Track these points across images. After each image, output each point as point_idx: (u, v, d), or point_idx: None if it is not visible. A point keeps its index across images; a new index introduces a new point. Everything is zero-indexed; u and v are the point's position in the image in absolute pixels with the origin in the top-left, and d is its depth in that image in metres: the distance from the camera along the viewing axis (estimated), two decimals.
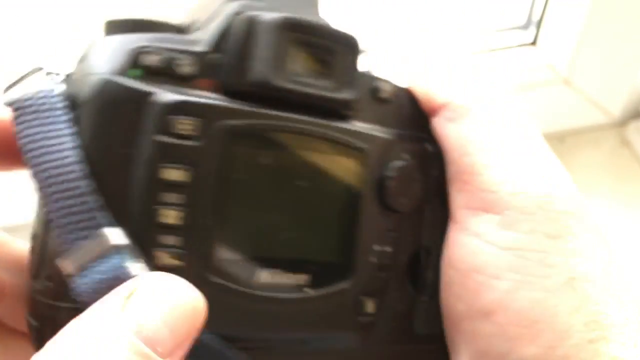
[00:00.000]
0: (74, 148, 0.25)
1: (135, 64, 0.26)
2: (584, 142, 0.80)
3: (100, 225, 0.24)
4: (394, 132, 0.32)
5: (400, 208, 0.31)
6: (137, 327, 0.22)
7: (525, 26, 0.76)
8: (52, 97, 0.26)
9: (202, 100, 0.26)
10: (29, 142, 0.25)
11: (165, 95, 0.25)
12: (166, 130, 0.25)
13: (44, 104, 0.25)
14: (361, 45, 0.30)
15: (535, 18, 0.75)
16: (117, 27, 0.27)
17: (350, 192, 0.30)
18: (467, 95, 0.31)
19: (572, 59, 0.74)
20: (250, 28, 0.27)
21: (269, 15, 0.27)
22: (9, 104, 0.26)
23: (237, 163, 0.27)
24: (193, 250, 0.26)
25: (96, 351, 0.21)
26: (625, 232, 0.73)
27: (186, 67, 0.26)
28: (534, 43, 0.76)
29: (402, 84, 0.33)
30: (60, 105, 0.25)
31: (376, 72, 0.32)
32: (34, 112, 0.25)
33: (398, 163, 0.31)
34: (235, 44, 0.27)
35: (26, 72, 0.27)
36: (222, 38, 0.27)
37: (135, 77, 0.25)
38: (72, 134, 0.25)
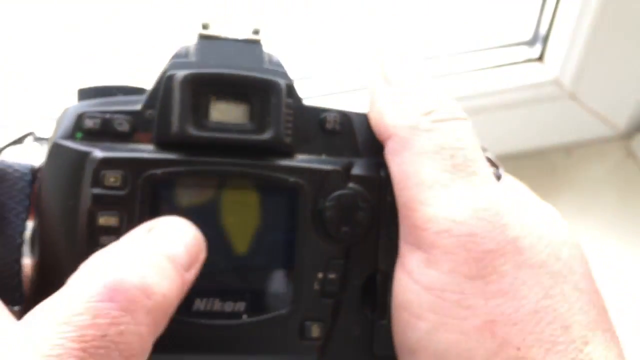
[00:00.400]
0: (23, 220, 0.31)
1: (79, 127, 0.30)
2: (590, 155, 0.81)
3: None
4: (341, 162, 0.32)
5: (342, 237, 0.32)
6: (162, 246, 0.28)
7: (532, 42, 0.77)
8: (22, 173, 0.31)
9: (126, 155, 0.30)
10: None
11: (98, 153, 0.30)
12: (99, 183, 0.30)
13: (14, 177, 0.31)
14: (283, 85, 0.31)
15: (542, 34, 0.76)
16: (84, 93, 0.32)
17: (287, 225, 0.32)
18: (415, 123, 0.31)
19: (577, 73, 0.75)
20: (168, 85, 0.30)
21: (180, 72, 0.30)
22: None
23: (163, 205, 0.30)
24: None
25: (132, 262, 0.26)
26: (630, 244, 0.74)
27: (123, 125, 0.30)
28: (540, 59, 0.78)
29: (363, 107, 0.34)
30: (26, 180, 0.31)
31: (325, 104, 0.33)
32: (7, 180, 0.31)
33: (339, 193, 0.32)
34: (160, 101, 0.30)
35: (19, 136, 0.33)
36: (153, 95, 0.31)
37: (79, 139, 0.30)
38: (26, 207, 0.31)
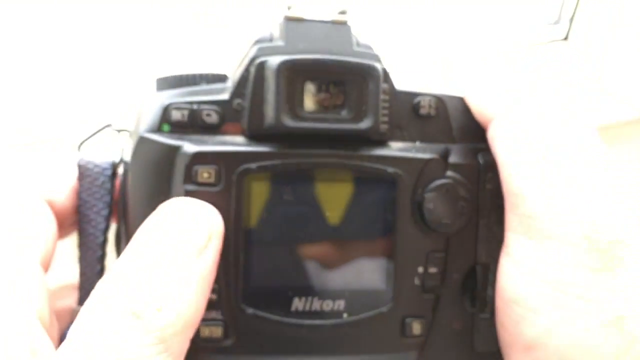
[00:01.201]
0: (105, 217, 0.30)
1: (165, 120, 0.29)
2: (615, 137, 0.80)
3: None
4: (438, 149, 0.31)
5: (443, 229, 0.31)
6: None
7: (557, 22, 0.76)
8: (103, 168, 0.30)
9: (219, 149, 0.29)
10: (80, 205, 0.30)
11: (188, 148, 0.28)
12: (191, 179, 0.28)
13: (94, 173, 0.30)
14: (380, 69, 0.29)
15: (567, 14, 0.75)
16: (164, 82, 0.30)
17: (385, 218, 0.30)
18: (521, 107, 0.29)
19: (604, 54, 0.74)
20: (259, 74, 0.29)
21: (273, 60, 0.28)
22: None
23: (259, 201, 0.29)
24: (226, 283, 0.28)
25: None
26: None
27: (211, 116, 0.29)
28: (565, 39, 0.77)
29: (457, 92, 0.32)
30: (106, 174, 0.30)
31: (418, 88, 0.32)
32: (87, 177, 0.30)
33: (438, 182, 0.30)
34: (250, 90, 0.29)
35: (97, 129, 0.32)
36: (242, 84, 0.29)
37: (167, 132, 0.29)
38: (107, 203, 0.30)
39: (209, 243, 0.27)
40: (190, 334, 0.25)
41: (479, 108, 0.31)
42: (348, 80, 0.29)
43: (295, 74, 0.28)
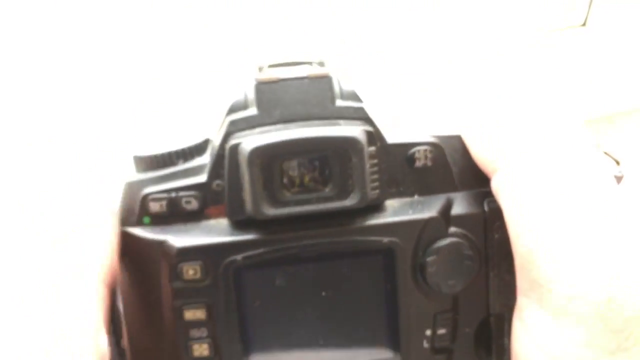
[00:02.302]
0: None
1: (145, 212, 0.28)
2: (633, 122, 0.80)
3: None
4: (438, 203, 0.29)
5: (448, 291, 0.29)
6: None
7: (574, 7, 0.76)
8: None
9: (202, 242, 0.27)
10: None
11: (171, 243, 0.27)
12: (178, 277, 0.27)
13: None
14: (366, 135, 0.27)
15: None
16: (141, 163, 0.29)
17: (385, 287, 0.29)
18: (529, 150, 0.26)
19: (623, 39, 0.74)
20: (234, 157, 0.27)
21: (246, 144, 0.26)
22: None
23: (251, 290, 0.28)
24: None
25: None
26: None
27: (191, 203, 0.28)
28: (584, 24, 0.76)
29: (453, 128, 0.29)
30: None
31: (410, 138, 0.29)
32: None
33: (440, 244, 0.28)
34: (226, 172, 0.27)
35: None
36: (218, 164, 0.27)
37: (148, 224, 0.28)
38: None
39: None
40: None
41: (480, 158, 0.28)
42: (328, 155, 0.27)
43: (270, 159, 0.26)
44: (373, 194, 0.27)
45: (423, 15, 0.70)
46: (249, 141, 0.26)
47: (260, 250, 0.27)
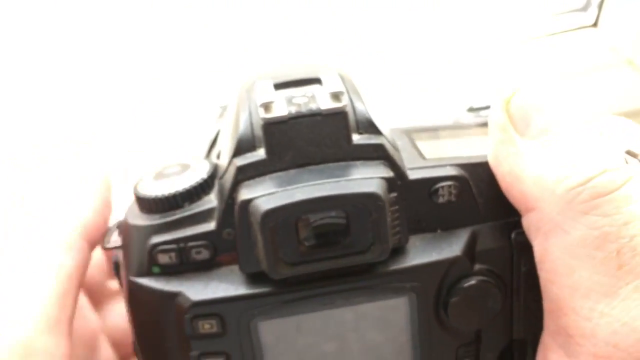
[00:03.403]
0: None
1: (154, 262, 0.26)
2: None
3: None
4: (463, 237, 0.27)
5: (471, 328, 0.28)
6: None
7: (585, 8, 0.75)
8: None
9: (216, 296, 0.26)
10: None
11: (184, 297, 0.26)
12: (194, 330, 0.26)
13: None
14: (385, 185, 0.25)
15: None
16: (145, 204, 0.27)
17: (408, 328, 0.28)
18: (568, 199, 0.24)
19: (635, 39, 0.73)
20: (245, 215, 0.25)
21: (259, 206, 0.24)
22: None
23: (269, 340, 0.27)
24: None
25: None
26: None
27: (201, 253, 0.26)
28: (595, 25, 0.75)
29: (482, 152, 0.27)
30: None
31: (433, 172, 0.27)
32: None
33: (464, 284, 0.27)
34: (238, 228, 0.25)
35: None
36: (228, 212, 0.26)
37: (158, 274, 0.27)
38: None
39: None
40: None
41: (510, 190, 0.26)
42: (348, 211, 0.25)
43: (284, 220, 0.24)
44: (394, 240, 0.26)
45: (424, 15, 0.71)
46: (261, 201, 0.24)
47: (277, 304, 0.26)
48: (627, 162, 0.26)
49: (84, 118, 0.67)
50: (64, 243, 0.28)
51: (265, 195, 0.24)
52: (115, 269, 0.30)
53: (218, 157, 0.29)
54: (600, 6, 0.74)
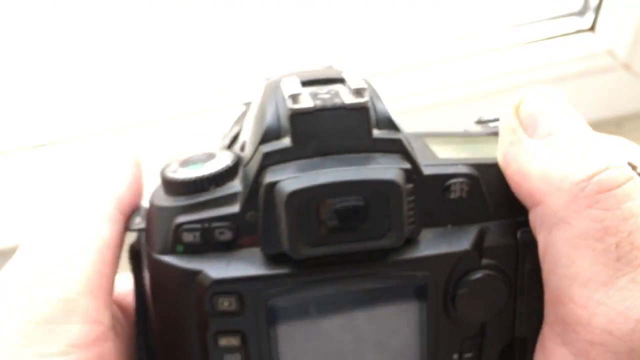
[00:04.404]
0: None
1: (178, 241, 0.27)
2: None
3: None
4: (472, 232, 0.28)
5: (477, 320, 0.29)
6: None
7: (582, 12, 0.76)
8: None
9: (237, 274, 0.27)
10: None
11: (206, 274, 0.27)
12: (213, 308, 0.27)
13: None
14: (404, 174, 0.26)
15: (592, 3, 0.75)
16: (171, 187, 0.28)
17: (416, 316, 0.29)
18: (572, 194, 0.25)
19: (632, 43, 0.73)
20: (269, 196, 0.26)
21: (284, 188, 0.26)
22: None
23: (285, 321, 0.28)
24: None
25: None
26: None
27: (224, 234, 0.27)
28: (592, 29, 0.76)
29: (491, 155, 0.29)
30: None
31: (446, 169, 0.29)
32: None
33: (472, 277, 0.28)
34: (262, 210, 0.27)
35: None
36: (252, 196, 0.27)
37: (181, 253, 0.28)
38: None
39: None
40: None
41: (518, 187, 0.27)
42: (366, 197, 0.26)
43: (308, 201, 0.26)
44: (409, 229, 0.27)
45: (423, 17, 0.71)
46: (286, 184, 0.26)
47: (295, 285, 0.27)
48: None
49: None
50: (103, 215, 0.29)
51: (290, 178, 0.26)
52: (131, 253, 0.31)
53: (242, 149, 0.30)
54: (597, 10, 0.74)
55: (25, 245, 0.28)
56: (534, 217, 0.27)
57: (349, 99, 0.27)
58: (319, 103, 0.26)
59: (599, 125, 0.78)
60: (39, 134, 0.69)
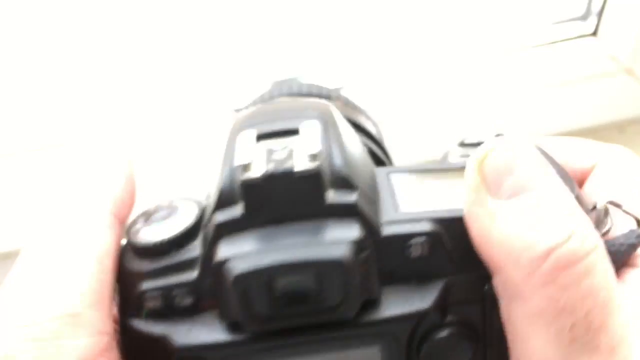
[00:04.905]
0: None
1: (143, 306, 0.28)
2: None
3: None
4: (436, 289, 0.28)
5: None
6: None
7: (584, 17, 0.75)
8: None
9: (199, 342, 0.28)
10: None
11: (171, 340, 0.28)
12: None
13: None
14: (354, 247, 0.26)
15: (595, 8, 0.74)
16: (139, 251, 0.29)
17: None
18: (531, 269, 0.24)
19: (634, 48, 0.73)
20: (220, 275, 0.26)
21: (231, 269, 0.26)
22: None
23: None
24: None
25: None
26: None
27: (185, 299, 0.28)
28: (594, 34, 0.75)
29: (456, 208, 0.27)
30: None
31: (406, 228, 0.27)
32: None
33: (435, 336, 0.28)
34: (215, 285, 0.27)
35: None
36: (207, 265, 0.27)
37: (146, 317, 0.28)
38: None
39: None
40: None
41: (480, 249, 0.26)
42: (316, 274, 0.26)
43: (256, 282, 0.26)
44: (367, 293, 0.27)
45: (422, 20, 0.71)
46: (233, 265, 0.26)
47: (257, 350, 0.27)
48: (609, 214, 0.27)
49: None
50: (101, 221, 0.29)
51: (238, 258, 0.26)
52: None
53: (209, 196, 0.30)
54: (599, 15, 0.74)
55: (24, 257, 0.28)
56: (496, 283, 0.26)
57: (300, 163, 0.26)
58: (271, 167, 0.26)
59: (602, 131, 0.79)
60: (39, 135, 0.69)
